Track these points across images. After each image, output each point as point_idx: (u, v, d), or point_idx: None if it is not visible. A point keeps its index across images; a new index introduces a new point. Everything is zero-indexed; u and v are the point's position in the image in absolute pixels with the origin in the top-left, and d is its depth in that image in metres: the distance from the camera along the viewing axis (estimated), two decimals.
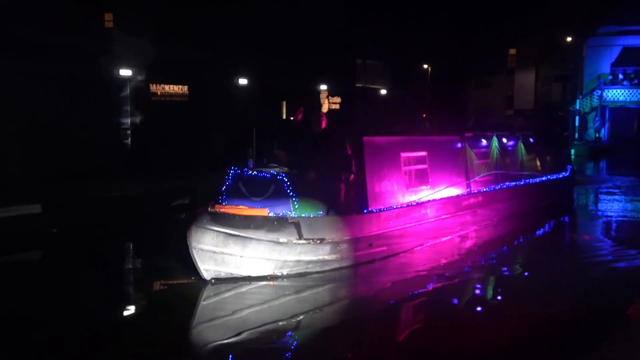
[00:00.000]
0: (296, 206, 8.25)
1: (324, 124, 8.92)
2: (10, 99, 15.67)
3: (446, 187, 11.15)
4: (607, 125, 34.06)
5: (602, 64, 33.48)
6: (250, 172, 8.65)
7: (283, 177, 8.34)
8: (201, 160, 17.68)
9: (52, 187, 14.29)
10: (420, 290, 8.59)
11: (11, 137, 15.86)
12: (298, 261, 8.17)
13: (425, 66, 37.56)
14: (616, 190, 21.12)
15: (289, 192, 8.25)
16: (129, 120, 19.32)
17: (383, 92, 33.58)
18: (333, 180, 8.67)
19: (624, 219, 16.52)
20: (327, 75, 27.31)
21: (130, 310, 7.71)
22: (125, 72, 18.96)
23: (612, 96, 32.74)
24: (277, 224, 7.90)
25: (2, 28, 16.27)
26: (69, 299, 7.81)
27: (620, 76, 33.04)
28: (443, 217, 10.92)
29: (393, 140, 10.32)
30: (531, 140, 14.47)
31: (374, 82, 33.06)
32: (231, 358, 5.94)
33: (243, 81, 23.05)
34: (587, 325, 6.90)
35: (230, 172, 8.89)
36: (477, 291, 8.88)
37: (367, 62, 32.42)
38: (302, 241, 7.96)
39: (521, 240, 12.26)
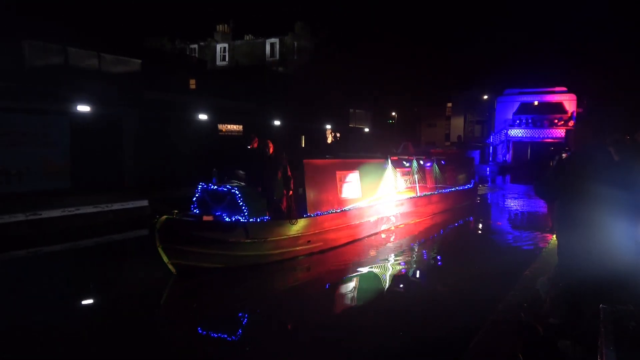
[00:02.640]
0: (245, 213, 8.82)
1: (271, 150, 9.51)
2: (134, 131, 19.03)
3: (375, 197, 12.25)
4: (511, 152, 40.17)
5: (507, 113, 40.54)
6: (212, 186, 9.24)
7: (235, 190, 8.93)
8: None
9: (157, 190, 16.15)
10: (349, 275, 9.32)
11: (129, 157, 18.75)
12: (247, 255, 8.84)
13: (393, 113, 44.59)
14: (514, 193, 25.40)
15: (240, 203, 8.82)
16: (204, 147, 21.55)
17: (366, 130, 38.68)
18: (277, 193, 9.37)
19: (517, 210, 19.35)
20: (330, 119, 32.97)
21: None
22: (203, 116, 23.02)
23: (514, 134, 39.46)
24: (229, 227, 8.64)
25: (137, 92, 20.59)
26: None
27: (518, 121, 39.48)
28: (371, 220, 11.96)
29: (330, 162, 11.35)
30: (442, 162, 16.26)
31: (360, 124, 38.54)
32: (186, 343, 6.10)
33: (277, 122, 27.87)
34: (494, 281, 7.67)
35: (198, 187, 9.48)
36: (401, 273, 9.56)
37: (356, 110, 38.22)
38: (249, 240, 8.68)
39: (436, 232, 13.62)
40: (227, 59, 40.84)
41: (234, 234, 8.62)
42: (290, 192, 9.72)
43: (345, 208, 11.12)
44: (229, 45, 41.18)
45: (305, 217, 9.94)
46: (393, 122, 44.38)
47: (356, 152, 21.01)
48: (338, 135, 35.46)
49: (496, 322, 5.19)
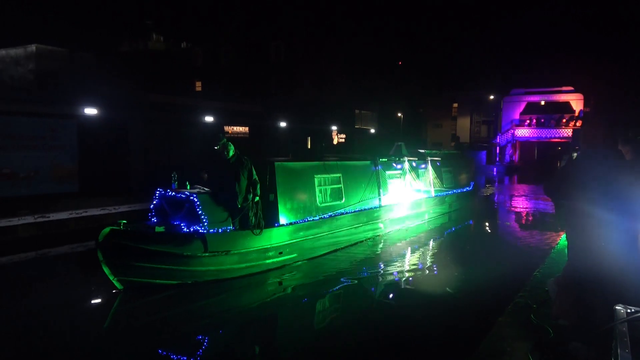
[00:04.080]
0: (205, 223, 7.96)
1: (231, 153, 8.53)
2: (141, 134, 19.15)
3: (361, 202, 11.39)
4: (517, 152, 40.25)
5: (513, 113, 40.76)
6: (170, 193, 8.42)
7: (194, 197, 8.07)
8: None
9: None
10: (330, 288, 8.45)
11: (136, 160, 18.72)
12: (207, 271, 7.98)
13: (399, 114, 44.24)
14: (521, 193, 25.39)
15: (198, 211, 7.97)
16: (210, 149, 23.57)
17: (372, 131, 39.05)
18: (241, 200, 8.34)
19: (524, 210, 19.14)
20: (336, 120, 33.07)
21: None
22: (209, 118, 23.03)
23: (520, 134, 39.69)
24: (184, 239, 7.78)
25: (143, 95, 21.35)
26: None
27: (525, 121, 39.55)
28: (355, 226, 11.05)
29: (306, 164, 10.34)
30: (438, 164, 15.43)
31: (366, 125, 39.03)
32: None
33: (283, 124, 28.16)
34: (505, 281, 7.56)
35: (156, 193, 8.68)
36: (391, 283, 8.74)
37: (362, 111, 38.61)
38: (208, 254, 7.81)
39: (431, 237, 12.84)
40: (232, 60, 41.11)
41: (190, 247, 7.78)
42: (257, 199, 8.53)
43: (325, 215, 10.24)
44: (234, 47, 41.42)
45: (277, 226, 9.09)
46: (400, 122, 44.18)
47: (362, 153, 20.71)
48: (344, 136, 35.31)
49: (505, 324, 5.12)
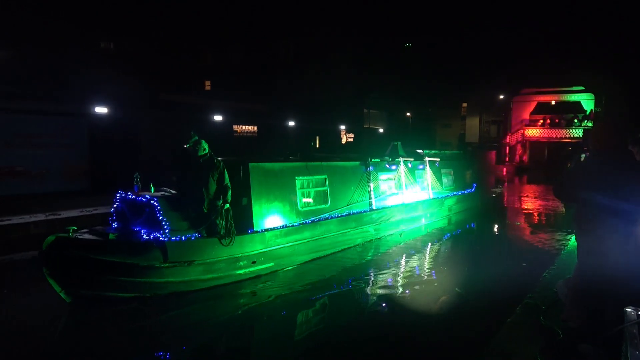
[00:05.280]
0: (167, 230, 7.31)
1: (203, 151, 7.85)
2: (151, 133, 19.01)
3: (349, 205, 10.65)
4: (527, 152, 39.96)
5: (524, 113, 40.23)
6: (130, 196, 7.82)
7: (155, 201, 7.45)
8: None
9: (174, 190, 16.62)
10: (312, 298, 7.67)
11: (146, 158, 17.57)
12: (167, 282, 7.26)
13: (408, 114, 45.24)
14: (529, 194, 24.83)
15: (159, 217, 7.36)
16: (221, 148, 23.95)
17: (381, 130, 39.73)
18: (208, 204, 7.61)
19: (533, 211, 18.72)
20: (345, 119, 33.52)
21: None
22: (218, 117, 23.56)
23: (530, 134, 39.05)
24: (140, 248, 7.11)
25: (153, 94, 21.73)
26: None
27: (539, 122, 39.12)
28: (342, 231, 10.28)
29: (286, 165, 9.58)
30: (436, 164, 14.68)
31: (375, 124, 39.63)
32: None
33: (292, 123, 28.51)
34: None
35: (116, 195, 8.07)
36: (384, 292, 8.02)
37: (371, 111, 39.23)
38: (168, 264, 7.13)
39: (429, 243, 11.93)
40: (241, 59, 41.23)
41: (147, 257, 7.07)
42: (227, 206, 7.74)
43: (307, 220, 9.47)
44: (243, 46, 41.51)
45: (250, 232, 8.34)
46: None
47: (369, 152, 21.19)
48: (352, 136, 35.50)
49: (514, 325, 5.09)
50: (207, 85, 35.41)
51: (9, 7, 19.29)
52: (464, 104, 46.30)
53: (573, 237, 7.12)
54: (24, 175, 15.04)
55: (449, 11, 49.81)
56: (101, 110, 17.42)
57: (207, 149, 7.91)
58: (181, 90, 25.17)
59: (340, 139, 34.77)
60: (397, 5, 46.26)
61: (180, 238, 7.41)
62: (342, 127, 34.07)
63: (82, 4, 23.64)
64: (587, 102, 38.69)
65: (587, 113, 38.01)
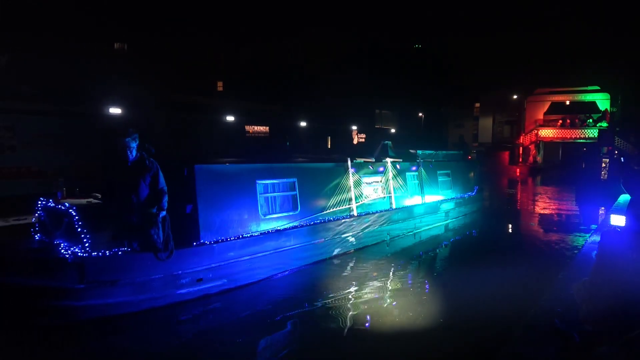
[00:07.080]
0: (86, 243, 6.31)
1: (135, 151, 6.59)
2: (164, 133, 18.99)
3: (324, 212, 9.62)
4: (542, 153, 39.68)
5: (537, 113, 40.03)
6: (51, 203, 6.99)
7: (73, 210, 6.56)
8: None
9: None
10: (274, 319, 6.52)
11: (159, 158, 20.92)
12: (85, 307, 6.15)
13: (420, 114, 43.73)
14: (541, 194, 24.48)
15: (78, 228, 6.39)
16: (233, 147, 22.47)
17: (393, 131, 38.72)
18: (140, 213, 6.48)
19: (545, 213, 18.08)
20: (356, 120, 33.28)
21: None
22: (230, 118, 23.70)
23: (544, 134, 38.66)
24: (49, 266, 6.08)
25: (166, 95, 21.39)
26: None
27: (556, 122, 38.65)
28: (315, 242, 9.20)
29: (245, 167, 8.55)
30: (430, 166, 13.79)
31: (387, 125, 39.42)
32: None
33: (303, 124, 28.41)
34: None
35: (38, 203, 7.29)
36: (366, 308, 7.01)
37: (383, 111, 39.30)
38: (85, 285, 6.05)
39: (421, 252, 10.89)
40: (253, 60, 41.32)
41: (59, 276, 6.00)
42: (163, 214, 6.58)
43: (271, 229, 8.37)
44: (255, 46, 41.65)
45: (195, 245, 7.17)
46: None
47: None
48: (364, 136, 35.49)
49: (528, 328, 5.03)
50: (220, 85, 35.24)
51: (29, 12, 19.66)
52: (477, 104, 46.15)
53: (588, 239, 7.00)
54: (40, 175, 15.30)
55: (462, 11, 49.44)
56: (115, 111, 17.63)
57: (137, 149, 6.66)
58: (194, 91, 24.87)
59: (352, 139, 34.71)
60: (409, 5, 45.98)
61: (104, 253, 6.27)
62: (354, 127, 33.86)
63: (96, 4, 23.68)
64: (602, 102, 38.24)
65: (602, 113, 37.61)
